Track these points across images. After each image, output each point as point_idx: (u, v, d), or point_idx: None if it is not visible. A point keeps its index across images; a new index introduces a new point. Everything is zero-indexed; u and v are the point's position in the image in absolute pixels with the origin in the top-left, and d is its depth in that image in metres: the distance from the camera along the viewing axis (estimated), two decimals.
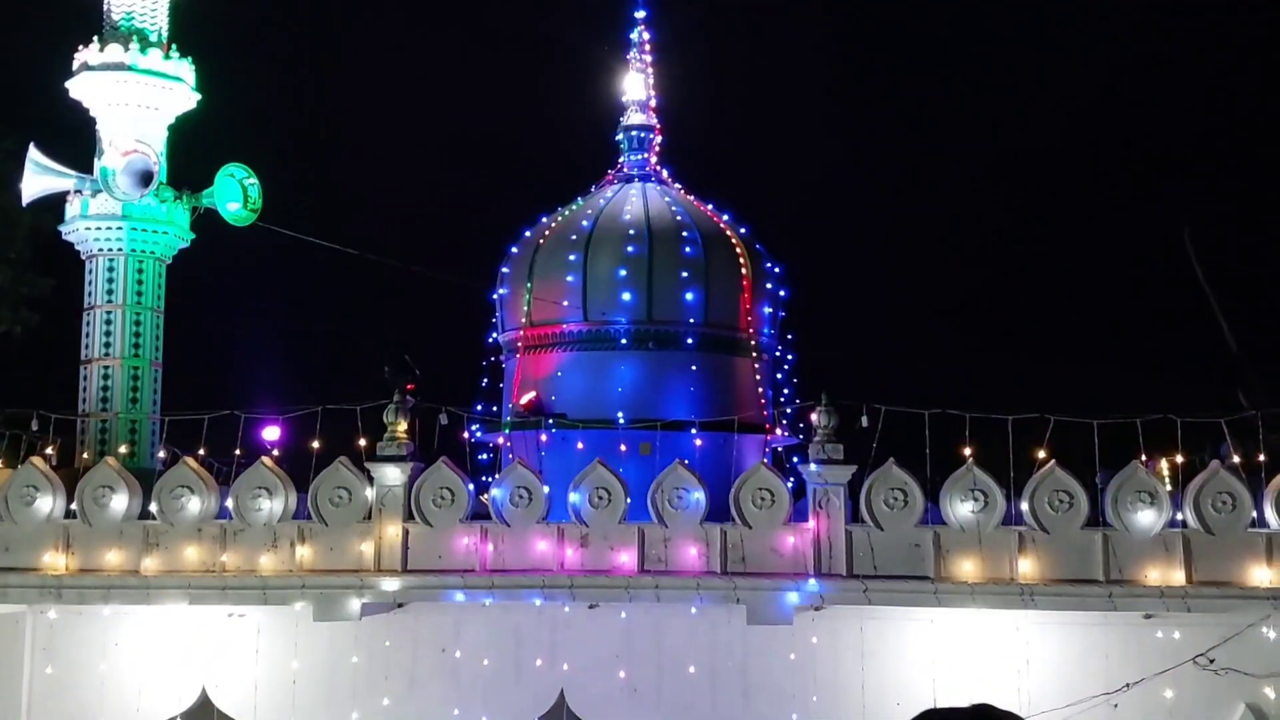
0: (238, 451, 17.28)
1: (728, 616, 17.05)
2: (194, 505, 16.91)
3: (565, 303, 21.56)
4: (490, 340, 22.92)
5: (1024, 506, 16.36)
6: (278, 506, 16.86)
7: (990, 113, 35.68)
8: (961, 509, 16.38)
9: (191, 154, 19.64)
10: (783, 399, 22.46)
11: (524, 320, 22.01)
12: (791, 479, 17.80)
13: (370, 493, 16.78)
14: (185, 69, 19.36)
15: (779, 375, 22.89)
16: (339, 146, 34.38)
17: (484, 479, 18.75)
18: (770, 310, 22.68)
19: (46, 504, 16.93)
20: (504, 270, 22.71)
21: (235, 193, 19.06)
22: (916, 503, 16.44)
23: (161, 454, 18.45)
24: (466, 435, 19.00)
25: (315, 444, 16.96)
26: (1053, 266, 34.63)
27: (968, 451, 16.50)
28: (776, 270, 22.87)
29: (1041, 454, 16.48)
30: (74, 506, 16.87)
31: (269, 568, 16.83)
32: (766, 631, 16.86)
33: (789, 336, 23.15)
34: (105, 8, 19.18)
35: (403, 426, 16.93)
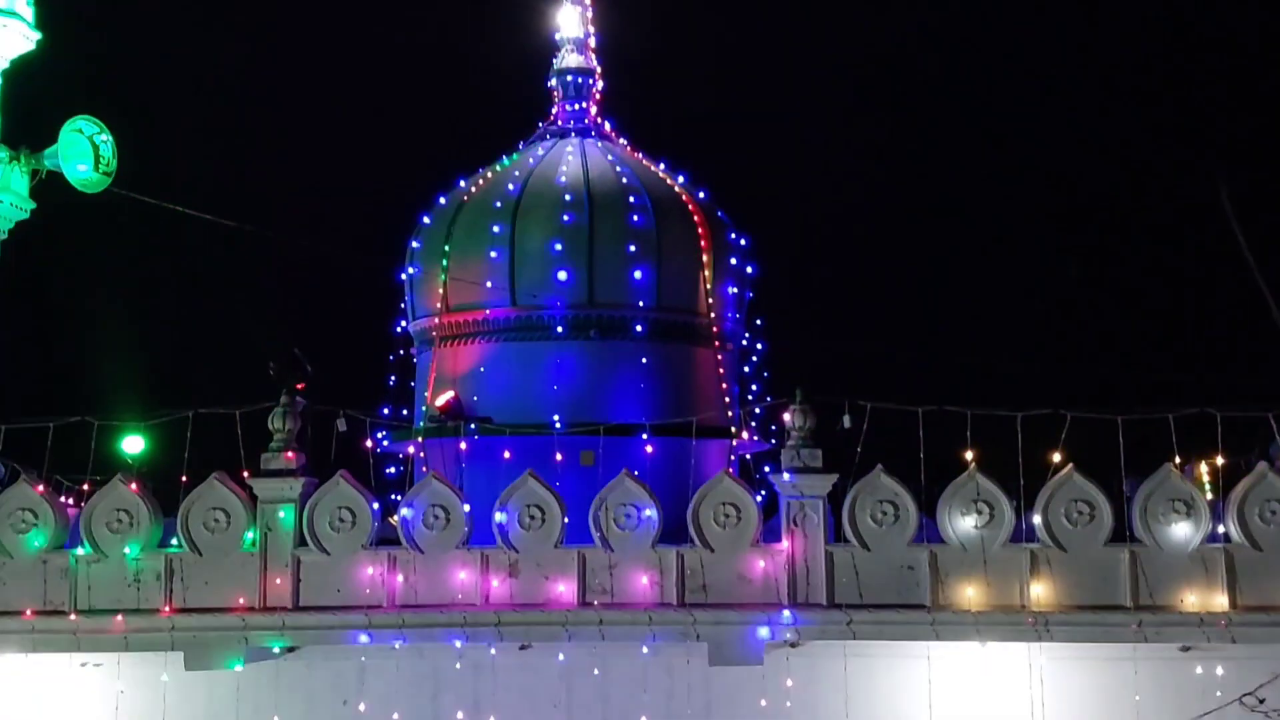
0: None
1: (686, 656, 17.10)
2: (37, 533, 16.73)
3: (489, 284, 21.58)
4: (399, 330, 22.93)
5: (1036, 520, 16.51)
6: (140, 533, 16.71)
7: (988, 67, 36.12)
8: (963, 524, 16.52)
9: (31, 106, 19.48)
10: (751, 396, 22.62)
11: (439, 305, 22.04)
12: (762, 492, 17.94)
13: (253, 515, 16.74)
14: (20, 2, 19.10)
15: (746, 368, 23.11)
16: (212, 97, 34.18)
17: (392, 496, 18.73)
18: (735, 291, 22.85)
19: None
20: (414, 245, 22.73)
21: (85, 152, 18.90)
22: (909, 517, 16.57)
23: None
24: (370, 444, 19.00)
25: (185, 456, 16.88)
26: (1064, 237, 35.11)
27: (969, 456, 16.62)
28: (742, 243, 23.04)
29: (1057, 457, 16.62)
30: None
31: (130, 607, 16.67)
32: (733, 673, 16.93)
33: (758, 322, 23.39)
34: None
35: (292, 434, 16.90)
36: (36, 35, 19.26)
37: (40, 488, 16.85)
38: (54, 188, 19.14)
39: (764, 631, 16.50)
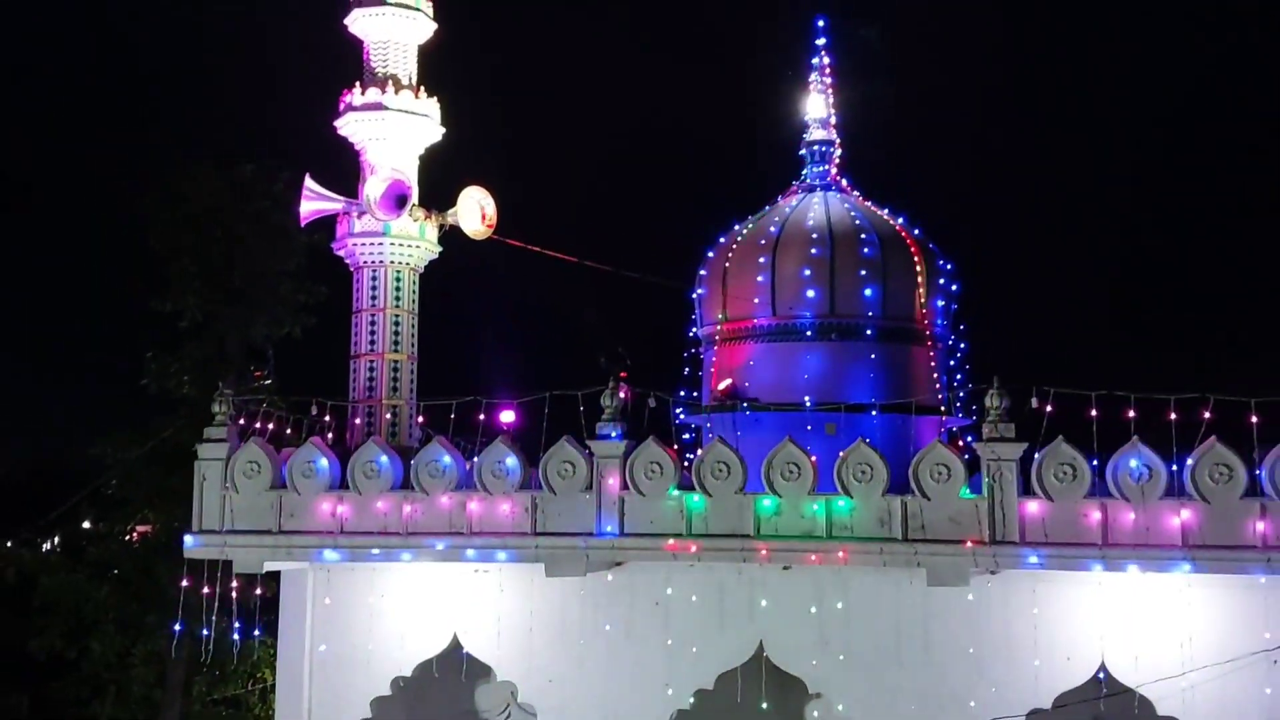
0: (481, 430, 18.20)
1: (910, 579, 17.37)
2: (445, 476, 17.98)
3: (756, 300, 21.97)
4: (690, 334, 23.54)
5: (1186, 479, 16.28)
6: (515, 477, 17.83)
7: (1161, 96, 34.43)
8: (1127, 481, 16.36)
9: (437, 179, 20.76)
10: (956, 383, 22.47)
11: (720, 316, 22.52)
12: (965, 455, 17.84)
13: (589, 466, 17.61)
14: (432, 106, 20.57)
15: (952, 362, 22.88)
16: (562, 165, 35.61)
17: (687, 456, 19.35)
18: (943, 303, 22.68)
19: (325, 476, 18.26)
20: (702, 272, 23.31)
21: (474, 211, 20.12)
22: (1084, 477, 16.45)
23: (418, 433, 19.76)
24: (672, 417, 19.67)
25: (544, 425, 17.85)
26: (1221, 255, 33.31)
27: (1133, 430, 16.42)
28: (949, 267, 22.88)
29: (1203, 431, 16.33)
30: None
31: (507, 530, 17.79)
32: (946, 592, 17.13)
33: (961, 326, 23.13)
34: (365, 58, 20.66)
35: (617, 409, 17.66)
36: (441, 129, 20.67)
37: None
38: (454, 237, 20.44)
39: (969, 561, 16.62)
